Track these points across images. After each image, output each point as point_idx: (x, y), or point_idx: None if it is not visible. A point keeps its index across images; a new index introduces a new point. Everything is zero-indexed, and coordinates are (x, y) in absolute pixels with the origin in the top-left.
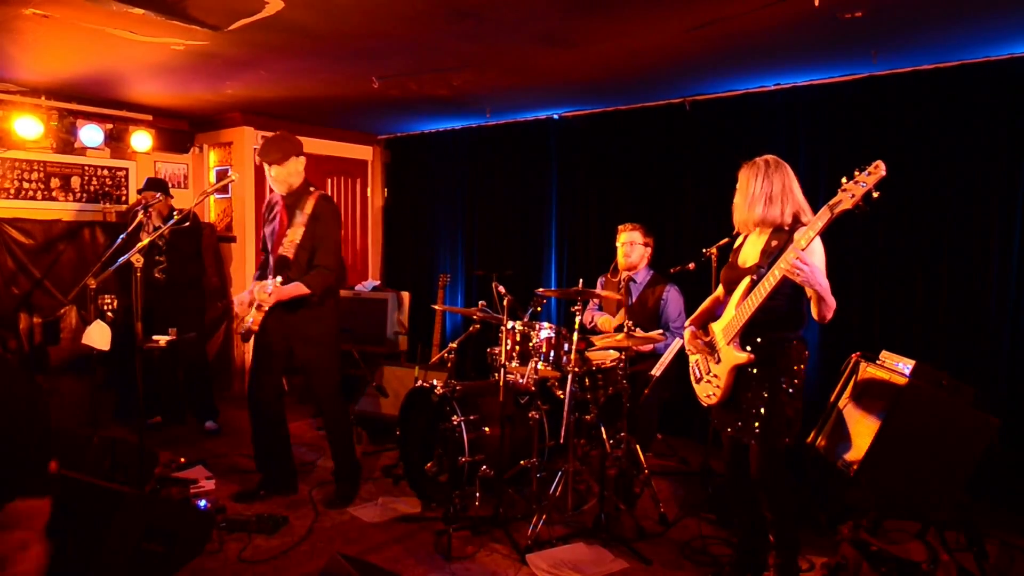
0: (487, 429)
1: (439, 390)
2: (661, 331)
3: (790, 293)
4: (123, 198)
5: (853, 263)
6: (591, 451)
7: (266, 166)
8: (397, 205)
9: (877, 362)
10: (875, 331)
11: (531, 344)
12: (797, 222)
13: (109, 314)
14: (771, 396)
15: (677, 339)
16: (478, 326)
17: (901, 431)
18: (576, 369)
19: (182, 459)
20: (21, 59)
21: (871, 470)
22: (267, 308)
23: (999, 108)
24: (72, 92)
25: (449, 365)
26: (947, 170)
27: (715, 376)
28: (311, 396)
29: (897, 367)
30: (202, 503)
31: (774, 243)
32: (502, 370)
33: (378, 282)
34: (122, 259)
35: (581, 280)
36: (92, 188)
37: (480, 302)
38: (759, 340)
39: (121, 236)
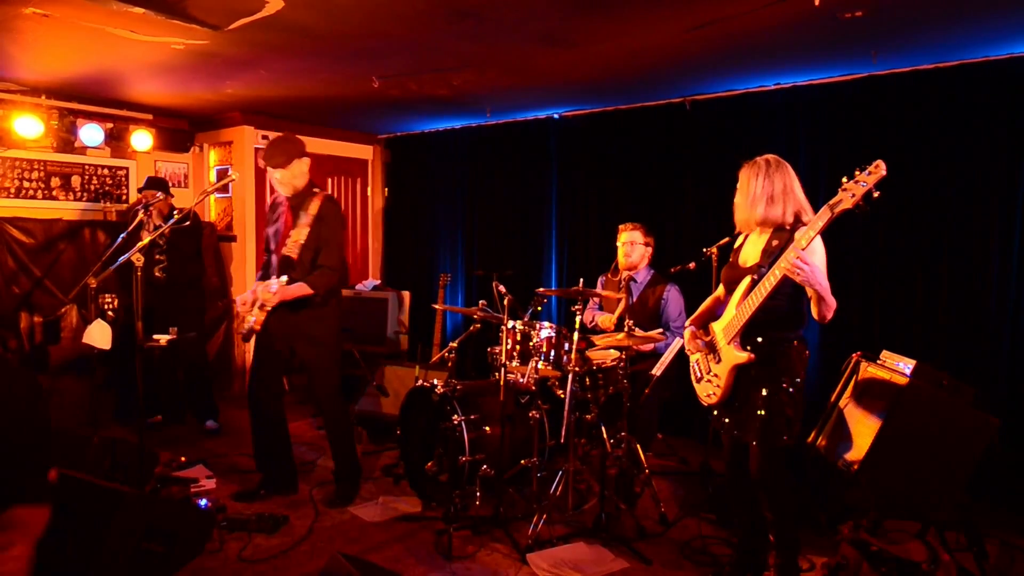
0: (487, 428)
1: (439, 389)
2: (661, 331)
3: (791, 293)
4: (123, 197)
5: (853, 263)
6: (591, 451)
7: (270, 170)
8: (397, 205)
9: (877, 362)
10: (875, 331)
11: (531, 344)
12: (798, 222)
13: (110, 313)
14: (771, 396)
15: (677, 339)
16: (478, 326)
17: (901, 431)
18: (576, 369)
19: (182, 459)
20: (21, 58)
21: (871, 470)
22: (270, 308)
23: (999, 108)
24: (72, 91)
25: (449, 365)
26: (947, 170)
27: (715, 376)
28: (312, 396)
29: (897, 367)
30: (202, 502)
31: (775, 243)
32: (502, 370)
33: (378, 282)
34: (122, 258)
35: (581, 280)
36: (92, 187)
37: (480, 302)
38: (759, 340)
39: (121, 235)
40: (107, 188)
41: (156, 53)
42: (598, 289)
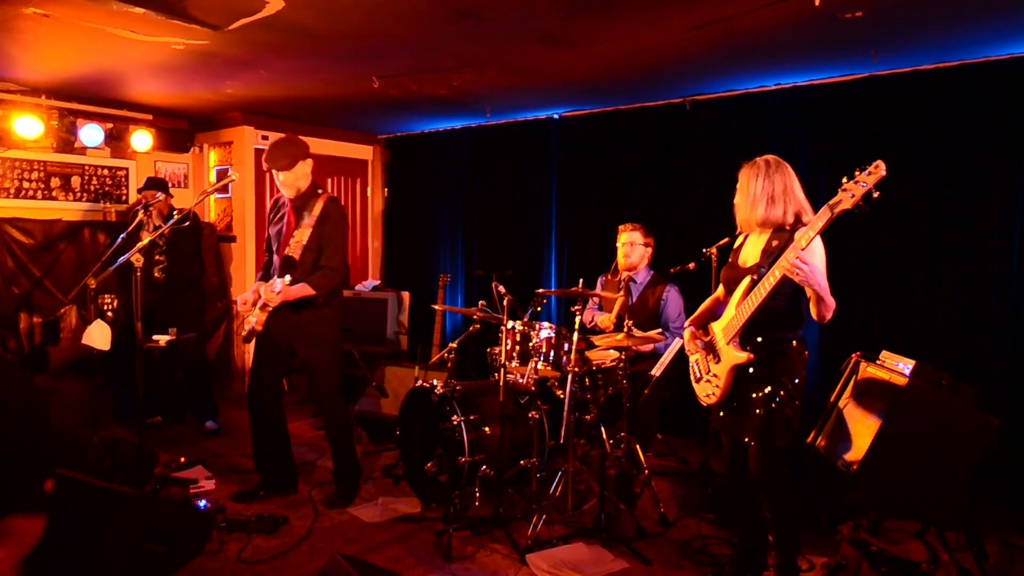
0: (487, 429)
1: (439, 390)
2: (660, 330)
3: (790, 293)
4: (123, 197)
5: (853, 263)
6: (591, 451)
7: (274, 172)
8: (397, 205)
9: (877, 362)
10: (875, 331)
11: (531, 344)
12: (799, 222)
13: (109, 314)
14: (770, 396)
15: (677, 339)
16: (478, 326)
17: (901, 431)
18: (576, 369)
19: (182, 459)
20: (21, 58)
21: (871, 470)
22: (272, 308)
23: (999, 108)
24: (72, 91)
25: (449, 365)
26: (947, 170)
27: (714, 376)
28: (312, 396)
29: (897, 367)
30: (202, 503)
31: (775, 243)
32: (502, 370)
33: (378, 282)
34: (122, 259)
35: (581, 280)
36: (92, 188)
37: (480, 302)
38: (759, 340)
39: (121, 235)
40: (107, 188)
41: (156, 53)
42: (598, 289)
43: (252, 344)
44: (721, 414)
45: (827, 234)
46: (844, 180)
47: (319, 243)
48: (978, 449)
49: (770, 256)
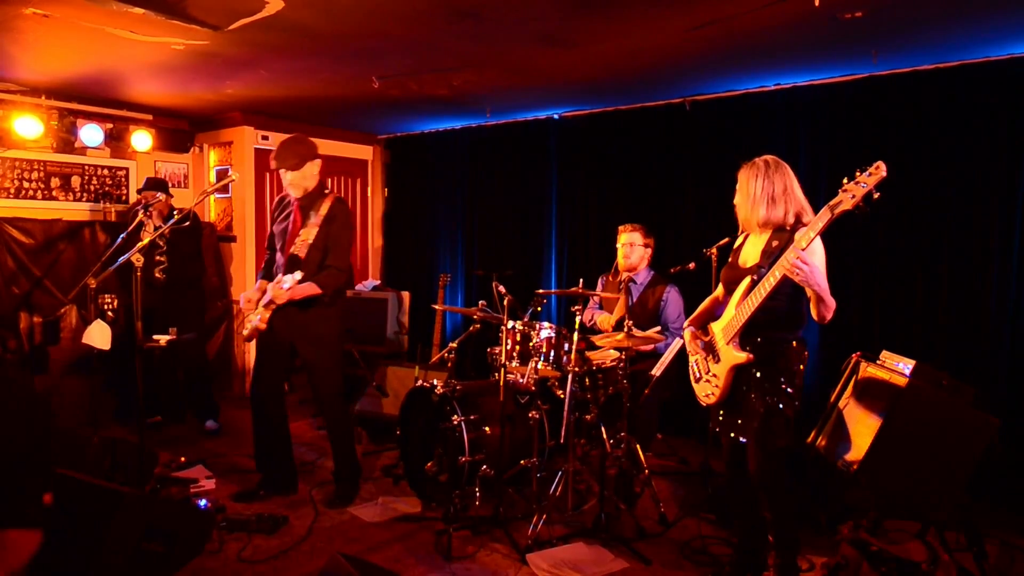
0: (487, 429)
1: (439, 390)
2: (659, 329)
3: (790, 293)
4: (123, 198)
5: (853, 263)
6: (591, 451)
7: (282, 171)
8: (397, 205)
9: (877, 362)
10: (875, 331)
11: (531, 344)
12: (799, 222)
13: (109, 313)
14: (770, 396)
15: (677, 339)
16: (478, 326)
17: (901, 431)
18: (576, 369)
19: (182, 459)
20: (21, 59)
21: (871, 470)
22: (279, 304)
23: (999, 108)
24: (72, 92)
25: (449, 365)
26: (947, 170)
27: (714, 376)
28: (314, 396)
29: (897, 367)
30: (202, 503)
31: (775, 243)
32: (502, 370)
33: (378, 282)
34: (122, 258)
35: (581, 280)
36: (92, 188)
37: (480, 302)
38: (759, 340)
39: (121, 235)
40: (107, 188)
41: (156, 53)
42: (598, 289)
43: (253, 344)
44: (721, 414)
45: (827, 234)
46: (844, 181)
47: (325, 242)
48: (978, 449)
49: (770, 256)
